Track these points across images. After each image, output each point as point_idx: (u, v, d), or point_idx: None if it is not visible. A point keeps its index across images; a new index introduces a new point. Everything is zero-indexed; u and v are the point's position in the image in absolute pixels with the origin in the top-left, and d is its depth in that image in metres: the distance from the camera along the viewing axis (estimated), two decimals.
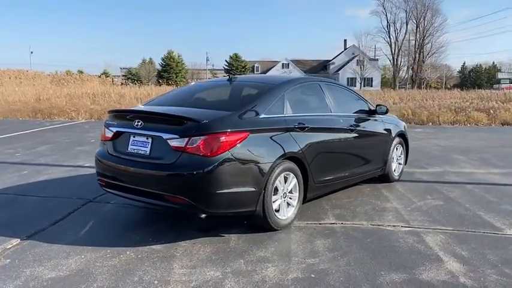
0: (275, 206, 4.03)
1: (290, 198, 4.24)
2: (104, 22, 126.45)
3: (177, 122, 3.70)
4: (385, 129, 5.89)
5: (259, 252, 3.59)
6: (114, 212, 4.70)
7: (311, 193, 4.52)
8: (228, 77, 4.89)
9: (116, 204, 4.91)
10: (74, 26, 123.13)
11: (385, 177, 6.09)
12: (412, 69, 70.81)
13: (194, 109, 4.14)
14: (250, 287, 2.97)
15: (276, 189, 4.05)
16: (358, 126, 5.31)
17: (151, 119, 3.87)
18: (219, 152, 3.56)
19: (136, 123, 3.87)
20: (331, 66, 76.37)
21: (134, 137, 3.92)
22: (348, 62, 71.96)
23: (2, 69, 39.21)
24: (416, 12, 69.25)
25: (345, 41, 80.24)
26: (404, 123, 6.79)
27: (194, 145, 3.54)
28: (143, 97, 20.47)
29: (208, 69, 77.47)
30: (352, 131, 5.12)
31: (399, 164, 6.39)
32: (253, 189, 3.77)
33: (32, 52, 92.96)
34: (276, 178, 3.98)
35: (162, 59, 57.59)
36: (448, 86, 63.51)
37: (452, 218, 4.55)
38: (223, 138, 3.58)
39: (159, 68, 56.73)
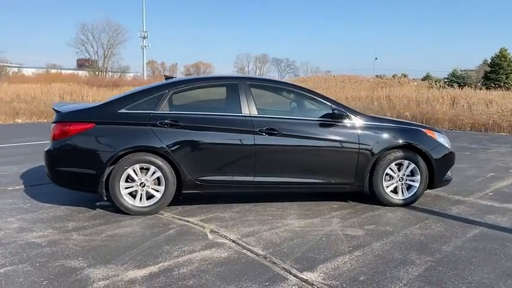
0: (126, 191, 4.47)
1: (154, 189, 4.55)
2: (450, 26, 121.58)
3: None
4: (360, 138, 4.76)
5: (75, 223, 4.26)
6: None
7: (191, 190, 4.62)
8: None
9: None
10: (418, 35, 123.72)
11: (373, 197, 4.94)
12: None
13: (85, 104, 5.06)
14: None
15: (132, 178, 4.50)
16: (292, 130, 4.70)
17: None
18: (60, 137, 4.47)
19: None
20: None
21: None
22: None
23: (347, 74, 45.65)
24: None
25: None
26: (434, 136, 5.09)
27: (51, 130, 4.59)
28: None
29: None
30: (275, 134, 4.63)
31: (409, 185, 4.95)
32: (93, 172, 4.44)
33: (376, 58, 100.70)
34: (127, 167, 4.45)
35: (492, 59, 51.26)
36: None
37: (302, 249, 3.67)
38: (65, 126, 4.47)
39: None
